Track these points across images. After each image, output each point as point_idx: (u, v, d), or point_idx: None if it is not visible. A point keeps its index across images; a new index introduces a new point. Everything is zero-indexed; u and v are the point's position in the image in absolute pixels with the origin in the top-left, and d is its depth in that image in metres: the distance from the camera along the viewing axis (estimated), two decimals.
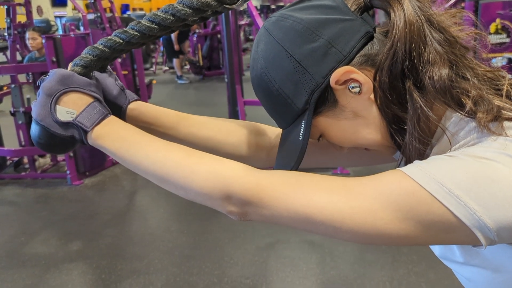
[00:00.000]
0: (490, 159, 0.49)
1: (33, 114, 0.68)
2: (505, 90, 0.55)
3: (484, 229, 0.47)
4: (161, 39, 9.15)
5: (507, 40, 4.91)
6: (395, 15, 0.57)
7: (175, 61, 9.35)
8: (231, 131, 0.80)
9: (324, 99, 0.60)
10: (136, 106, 0.79)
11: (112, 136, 0.66)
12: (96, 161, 4.38)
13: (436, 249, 0.68)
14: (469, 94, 0.54)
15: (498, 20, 4.91)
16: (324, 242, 2.79)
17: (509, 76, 0.57)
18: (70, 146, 0.73)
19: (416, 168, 0.51)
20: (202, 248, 2.83)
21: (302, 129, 0.61)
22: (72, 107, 0.67)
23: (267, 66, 0.61)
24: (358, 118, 0.61)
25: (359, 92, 0.59)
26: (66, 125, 0.67)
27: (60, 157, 4.71)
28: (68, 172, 4.12)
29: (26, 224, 3.40)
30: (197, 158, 0.60)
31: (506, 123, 0.52)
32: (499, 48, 4.94)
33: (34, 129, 0.70)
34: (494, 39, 4.95)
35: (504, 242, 0.49)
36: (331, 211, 0.52)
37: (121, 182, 4.15)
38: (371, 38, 0.59)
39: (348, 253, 2.66)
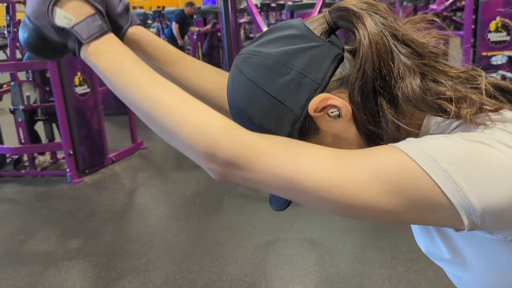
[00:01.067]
0: (481, 141, 0.49)
1: (27, 10, 0.64)
2: (483, 87, 0.55)
3: (469, 209, 0.47)
4: (162, 36, 9.14)
5: (507, 38, 4.91)
6: (359, 35, 0.57)
7: None
8: (226, 84, 0.79)
9: (306, 128, 0.60)
10: (138, 31, 0.75)
11: (107, 56, 0.62)
12: (96, 159, 4.38)
13: (423, 247, 0.69)
14: (446, 97, 0.54)
15: (498, 18, 4.90)
16: (323, 239, 2.79)
17: (484, 74, 0.58)
18: (59, 53, 0.69)
19: (408, 143, 0.52)
20: (202, 246, 2.83)
21: None
22: (71, 13, 0.63)
23: (245, 104, 0.61)
24: (341, 141, 0.61)
25: (339, 116, 0.59)
26: (61, 31, 0.63)
27: (60, 155, 4.71)
28: (67, 170, 4.12)
29: (26, 222, 3.40)
30: (190, 105, 0.57)
31: (491, 115, 0.53)
32: (499, 46, 4.93)
33: (25, 27, 0.65)
34: (494, 37, 4.95)
35: (486, 229, 0.49)
36: (318, 179, 0.51)
37: (121, 180, 4.15)
38: (341, 60, 0.59)
39: (347, 251, 2.66)
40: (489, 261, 0.55)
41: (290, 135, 0.60)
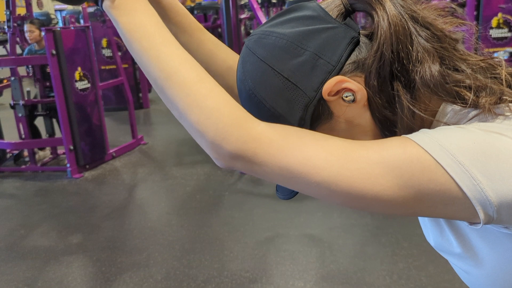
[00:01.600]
0: (500, 133, 0.48)
1: None
2: (503, 77, 0.54)
3: (485, 203, 0.46)
4: None
5: (509, 34, 4.89)
6: (378, 17, 0.55)
7: None
8: (235, 63, 0.76)
9: (319, 112, 0.58)
10: None
11: (131, 14, 0.58)
12: (96, 154, 4.38)
13: (432, 240, 0.67)
14: (465, 85, 0.53)
15: (500, 15, 4.88)
16: (324, 235, 2.79)
17: (504, 63, 0.56)
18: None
19: (423, 134, 0.50)
20: (202, 242, 2.83)
21: None
22: None
23: (256, 86, 0.59)
24: (354, 127, 0.59)
25: (354, 101, 0.57)
26: None
27: (60, 150, 4.71)
28: (68, 165, 4.12)
29: (26, 217, 3.40)
30: (207, 88, 0.54)
31: (511, 105, 0.51)
32: (501, 42, 4.92)
33: None
34: (495, 33, 4.93)
35: (501, 222, 0.48)
36: (327, 173, 0.50)
37: (121, 176, 4.15)
38: (357, 43, 0.58)
39: (348, 246, 2.66)
40: (502, 256, 0.54)
41: (302, 119, 0.58)
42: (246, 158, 0.52)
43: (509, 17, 4.88)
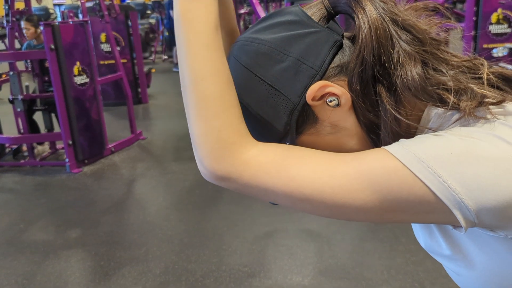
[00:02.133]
0: (477, 138, 0.48)
1: None
2: (485, 78, 0.54)
3: (464, 210, 0.47)
4: (161, 27, 9.08)
5: (509, 30, 4.89)
6: (359, 20, 0.55)
7: (175, 49, 9.30)
8: (226, 2, 0.71)
9: (304, 117, 0.58)
10: None
11: (193, 3, 0.55)
12: (95, 149, 4.38)
13: (422, 242, 0.68)
14: (446, 87, 0.53)
15: (499, 10, 4.88)
16: (322, 231, 2.80)
17: (487, 63, 0.56)
18: None
19: (400, 146, 0.50)
20: (201, 237, 2.84)
21: None
22: None
23: (241, 93, 0.59)
24: (340, 131, 0.59)
25: (338, 105, 0.57)
26: None
27: (59, 145, 4.71)
28: (67, 160, 4.12)
29: (25, 211, 3.41)
30: (222, 106, 0.54)
31: (492, 108, 0.51)
32: (501, 38, 4.91)
33: None
34: (495, 29, 4.93)
35: (484, 226, 0.49)
36: (311, 191, 0.51)
37: (120, 171, 4.15)
38: (340, 46, 0.58)
39: (346, 242, 2.67)
40: (490, 258, 0.55)
41: (287, 124, 0.58)
42: (231, 179, 0.54)
43: (508, 12, 4.87)
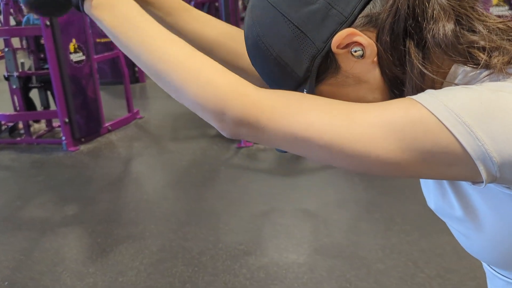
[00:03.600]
0: (508, 91, 0.47)
1: None
2: None
3: (488, 162, 0.46)
4: None
5: (509, 12, 4.85)
6: None
7: None
8: (235, 37, 0.75)
9: (326, 65, 0.57)
10: None
11: (112, 10, 0.60)
12: (92, 127, 4.36)
13: (433, 203, 0.67)
14: (479, 45, 0.52)
15: None
16: (318, 210, 2.82)
17: None
18: (63, 9, 0.67)
19: (427, 95, 0.49)
20: (198, 215, 2.85)
21: None
22: None
23: (264, 33, 0.57)
24: (362, 84, 0.57)
25: (363, 56, 0.55)
26: None
27: (56, 123, 4.69)
28: (63, 138, 4.11)
29: (22, 188, 3.41)
30: (199, 61, 0.55)
31: None
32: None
33: None
34: (495, 11, 4.89)
35: (504, 181, 0.48)
36: (330, 136, 0.50)
37: (117, 149, 4.14)
38: None
39: (342, 221, 2.69)
40: (502, 219, 0.54)
41: (308, 70, 0.57)
42: (249, 124, 0.52)
43: None
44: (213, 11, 9.50)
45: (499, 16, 0.57)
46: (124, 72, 4.91)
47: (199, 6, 9.45)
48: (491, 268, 0.64)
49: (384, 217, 2.69)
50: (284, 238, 2.53)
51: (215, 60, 0.57)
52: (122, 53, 5.09)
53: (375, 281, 2.13)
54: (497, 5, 4.91)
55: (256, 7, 0.59)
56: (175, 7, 0.74)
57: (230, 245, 2.49)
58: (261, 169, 3.48)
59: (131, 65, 6.47)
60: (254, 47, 0.60)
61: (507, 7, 4.89)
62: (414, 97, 0.50)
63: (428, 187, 0.68)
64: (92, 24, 6.11)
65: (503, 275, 0.62)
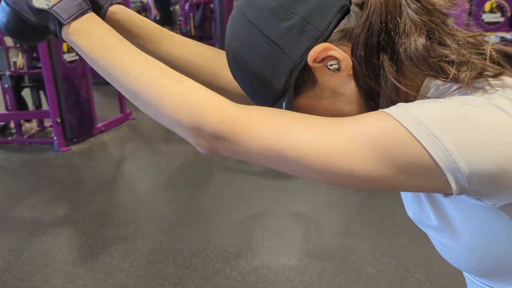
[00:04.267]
0: (475, 105, 0.48)
1: None
2: (488, 53, 0.54)
3: (457, 173, 0.47)
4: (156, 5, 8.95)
5: (501, 19, 4.90)
6: None
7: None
8: (214, 59, 0.77)
9: (303, 79, 0.58)
10: (118, 10, 0.75)
11: (89, 35, 0.62)
12: (84, 128, 4.34)
13: (411, 213, 0.69)
14: (449, 60, 0.53)
15: None
16: (310, 213, 2.82)
17: (491, 40, 0.57)
18: (41, 36, 0.69)
19: (398, 108, 0.51)
20: (189, 217, 2.85)
21: None
22: None
23: (242, 48, 0.59)
24: (338, 96, 0.59)
25: (338, 69, 0.57)
26: (40, 12, 0.63)
27: (47, 123, 4.66)
28: (55, 138, 4.09)
29: (13, 188, 3.38)
30: (174, 80, 0.57)
31: (491, 81, 0.52)
32: (493, 27, 4.92)
33: (3, 11, 0.65)
34: (488, 18, 4.94)
35: (473, 192, 0.49)
36: (305, 149, 0.51)
37: (109, 150, 4.13)
38: (347, 11, 0.58)
39: (333, 225, 2.70)
40: (476, 229, 0.56)
41: (286, 84, 0.58)
42: (225, 137, 0.53)
43: (502, 1, 4.88)
44: (208, 12, 9.51)
45: (468, 31, 0.58)
46: None
47: (194, 7, 9.45)
48: (470, 275, 0.66)
49: (375, 220, 2.70)
50: (275, 241, 2.54)
51: (196, 81, 0.58)
52: None
53: (365, 285, 2.14)
54: (490, 11, 4.96)
55: (235, 23, 0.61)
56: (156, 34, 0.76)
57: (221, 248, 2.48)
58: (253, 172, 3.49)
59: None
60: (234, 61, 0.61)
61: (499, 14, 4.94)
62: (385, 110, 0.51)
63: (406, 197, 0.70)
64: None
65: (481, 282, 0.63)
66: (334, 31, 0.57)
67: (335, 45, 0.57)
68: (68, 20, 0.62)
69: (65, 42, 0.65)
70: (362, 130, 0.50)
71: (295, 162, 0.52)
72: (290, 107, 0.59)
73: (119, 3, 0.75)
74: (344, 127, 0.51)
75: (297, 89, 0.59)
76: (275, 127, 0.52)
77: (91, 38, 0.62)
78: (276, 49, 0.57)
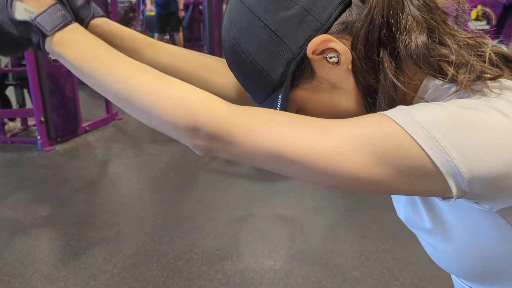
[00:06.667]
0: (475, 109, 0.48)
1: None
2: (487, 55, 0.54)
3: (458, 178, 0.46)
4: (143, 6, 8.88)
5: (487, 27, 4.97)
6: None
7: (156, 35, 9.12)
8: (202, 64, 0.76)
9: (301, 70, 0.57)
10: (100, 23, 0.74)
11: (74, 45, 0.61)
12: (69, 127, 4.28)
13: (402, 215, 0.68)
14: (448, 60, 0.53)
15: (479, 7, 4.95)
16: (295, 216, 2.82)
17: (491, 42, 0.56)
18: (23, 48, 0.68)
19: (398, 111, 0.50)
20: (174, 219, 2.82)
21: (279, 103, 0.59)
22: (32, 5, 0.62)
23: (240, 36, 0.58)
24: (336, 90, 0.58)
25: (337, 63, 0.56)
26: (22, 24, 0.62)
27: (31, 122, 4.58)
28: (38, 137, 4.02)
29: None
30: (166, 82, 0.56)
31: (490, 83, 0.51)
32: None
33: None
34: (474, 26, 5.01)
35: (473, 196, 0.49)
36: (304, 151, 0.50)
37: (94, 150, 4.07)
38: (349, 4, 0.57)
39: (319, 228, 2.69)
40: (470, 232, 0.55)
41: (283, 75, 0.57)
42: (222, 138, 0.52)
43: (488, 9, 4.96)
44: (197, 14, 9.48)
45: (468, 32, 0.58)
46: None
47: (184, 8, 9.42)
48: (459, 279, 0.65)
49: (361, 224, 2.70)
50: (260, 243, 2.52)
51: None
52: None
53: None
54: (475, 19, 5.03)
55: (233, 10, 0.59)
56: (140, 44, 0.75)
57: (206, 250, 2.46)
58: (240, 174, 3.47)
59: None
60: (231, 49, 0.60)
61: (485, 22, 5.01)
62: (385, 112, 0.50)
63: (398, 198, 0.69)
64: None
65: (470, 287, 0.62)
66: (335, 23, 0.55)
67: (335, 38, 0.55)
68: (52, 31, 0.61)
69: (48, 54, 0.63)
70: (362, 132, 0.49)
71: (293, 164, 0.51)
72: (286, 99, 0.58)
73: (101, 16, 0.74)
74: (344, 128, 0.50)
75: (295, 81, 0.58)
76: (273, 127, 0.51)
77: (77, 47, 0.61)
78: (274, 39, 0.56)
